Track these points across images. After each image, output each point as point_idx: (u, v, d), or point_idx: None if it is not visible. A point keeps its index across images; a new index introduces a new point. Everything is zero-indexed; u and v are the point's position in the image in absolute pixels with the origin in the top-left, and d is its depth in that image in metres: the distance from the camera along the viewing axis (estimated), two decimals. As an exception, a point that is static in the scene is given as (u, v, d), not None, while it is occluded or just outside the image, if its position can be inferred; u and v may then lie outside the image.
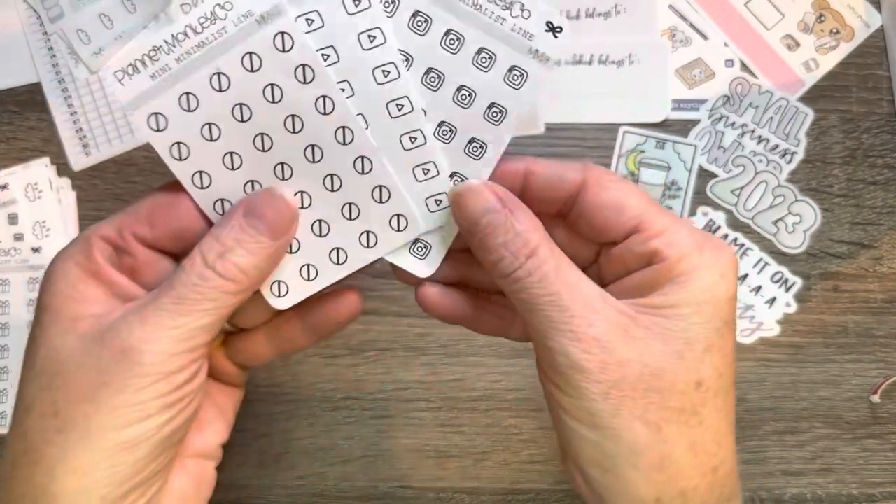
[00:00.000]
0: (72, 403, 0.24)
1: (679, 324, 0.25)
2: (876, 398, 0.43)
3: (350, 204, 0.27)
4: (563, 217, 0.28)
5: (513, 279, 0.25)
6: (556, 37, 0.25)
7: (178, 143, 0.26)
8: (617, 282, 0.27)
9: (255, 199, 0.26)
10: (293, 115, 0.25)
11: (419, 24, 0.25)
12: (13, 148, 0.46)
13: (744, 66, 0.46)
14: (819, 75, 0.46)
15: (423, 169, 0.27)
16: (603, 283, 0.27)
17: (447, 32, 0.25)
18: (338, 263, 0.28)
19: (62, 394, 0.24)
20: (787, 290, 0.44)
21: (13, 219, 0.45)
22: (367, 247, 0.27)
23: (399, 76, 0.25)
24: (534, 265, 0.25)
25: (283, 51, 0.25)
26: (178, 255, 0.27)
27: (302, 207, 0.27)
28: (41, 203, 0.45)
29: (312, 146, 0.26)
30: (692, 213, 0.45)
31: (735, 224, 0.45)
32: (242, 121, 0.25)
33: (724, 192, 0.45)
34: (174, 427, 0.26)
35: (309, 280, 0.28)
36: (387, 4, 0.25)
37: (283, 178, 0.26)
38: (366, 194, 0.27)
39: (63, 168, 0.45)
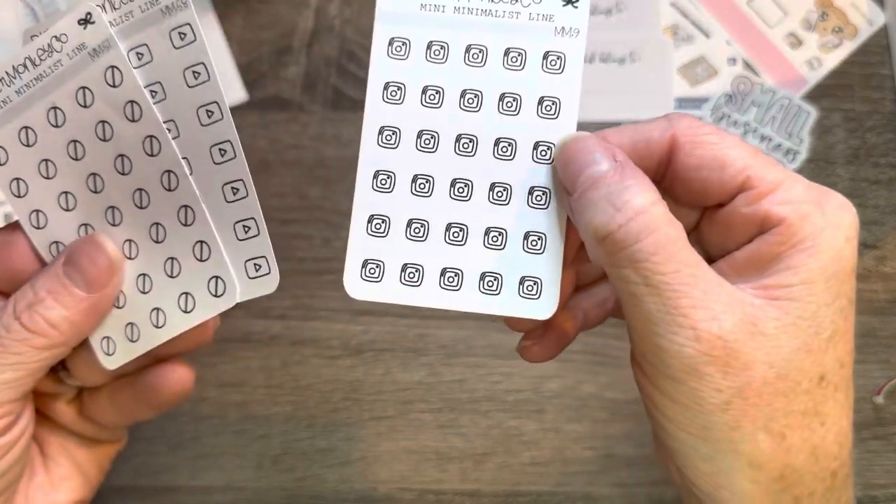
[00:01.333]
0: None
1: (811, 307, 0.21)
2: (879, 399, 0.43)
3: (172, 259, 0.25)
4: (657, 183, 0.23)
5: (614, 243, 0.21)
6: (575, 7, 0.24)
7: (17, 178, 0.25)
8: (728, 256, 0.23)
9: (75, 247, 0.25)
10: (122, 156, 0.24)
11: (436, 53, 0.24)
12: (9, 147, 0.45)
13: (746, 65, 0.46)
14: (822, 73, 0.46)
15: (244, 226, 0.24)
16: (709, 257, 0.24)
17: (467, 49, 0.24)
18: (157, 326, 0.25)
19: None
20: (790, 290, 0.44)
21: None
22: (185, 311, 0.25)
23: (222, 118, 0.24)
24: (644, 226, 0.20)
25: (113, 85, 0.23)
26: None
27: (129, 258, 0.25)
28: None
29: (139, 190, 0.24)
30: (694, 212, 0.45)
31: (737, 224, 0.45)
32: (77, 159, 0.24)
33: (727, 192, 0.45)
34: (7, 482, 0.25)
35: (132, 341, 0.26)
36: (398, 48, 0.24)
37: (114, 224, 0.25)
38: (187, 249, 0.25)
39: (60, 167, 0.45)
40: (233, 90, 0.46)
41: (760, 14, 0.47)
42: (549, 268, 0.24)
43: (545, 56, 0.24)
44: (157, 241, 0.25)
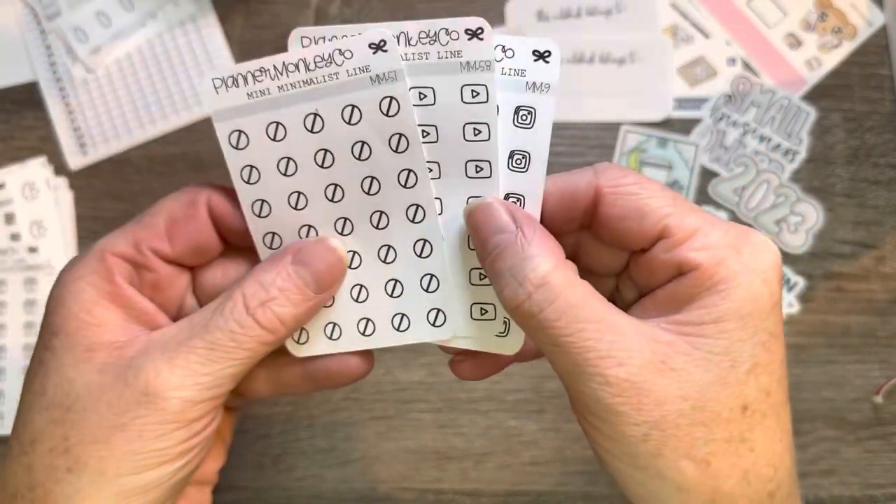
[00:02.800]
0: (85, 442, 0.23)
1: (721, 343, 0.22)
2: (879, 399, 0.43)
3: (396, 281, 0.26)
4: (587, 228, 0.26)
5: (523, 313, 0.22)
6: (546, 62, 0.24)
7: (252, 166, 0.25)
8: (651, 294, 0.25)
9: (306, 247, 0.25)
10: (373, 178, 0.25)
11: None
12: (10, 147, 0.45)
13: (746, 65, 0.46)
14: (821, 74, 0.46)
15: (480, 274, 0.26)
16: (640, 291, 0.25)
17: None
18: (363, 334, 0.27)
19: (75, 431, 0.23)
20: (790, 290, 0.44)
21: (10, 218, 0.44)
22: (398, 329, 0.26)
23: (490, 176, 0.25)
24: (545, 297, 0.22)
25: (387, 115, 0.24)
26: (195, 269, 0.26)
27: (350, 267, 0.26)
28: (38, 202, 0.45)
29: (381, 212, 0.25)
30: (694, 212, 0.45)
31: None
32: (322, 166, 0.25)
33: (726, 192, 0.45)
34: (188, 471, 0.25)
35: (331, 339, 0.27)
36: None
37: (342, 233, 0.26)
38: (415, 277, 0.26)
39: (60, 167, 0.45)
40: (233, 90, 0.46)
41: (760, 14, 0.47)
42: None
43: (516, 111, 0.25)
44: (384, 262, 0.26)
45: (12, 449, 0.24)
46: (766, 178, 0.45)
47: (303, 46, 0.24)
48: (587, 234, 0.26)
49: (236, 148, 0.25)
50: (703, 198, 0.45)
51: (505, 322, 0.26)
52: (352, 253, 0.26)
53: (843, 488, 0.43)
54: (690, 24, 0.46)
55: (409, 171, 0.25)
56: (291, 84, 0.24)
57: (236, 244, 0.26)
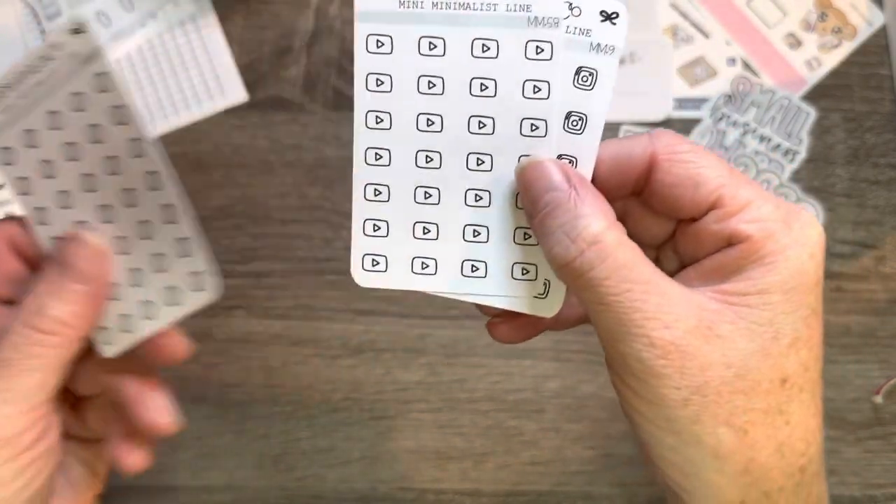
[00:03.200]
0: None
1: (766, 315, 0.23)
2: (879, 399, 0.43)
3: (160, 255, 0.26)
4: (637, 194, 0.25)
5: (572, 271, 0.22)
6: (613, 24, 0.24)
7: (23, 177, 0.26)
8: (696, 264, 0.25)
9: (64, 248, 0.26)
10: (113, 157, 0.26)
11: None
12: (10, 147, 0.45)
13: (746, 65, 0.46)
14: (821, 74, 0.46)
15: (525, 233, 0.25)
16: (682, 262, 0.25)
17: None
18: (147, 318, 0.27)
19: None
20: (790, 290, 0.44)
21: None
22: (170, 304, 0.27)
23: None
24: (597, 256, 0.22)
25: (104, 90, 0.25)
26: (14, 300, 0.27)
27: (125, 253, 0.27)
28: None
29: (128, 190, 0.26)
30: (694, 212, 0.45)
31: (737, 224, 0.45)
32: (73, 160, 0.26)
33: (726, 192, 0.45)
34: (31, 491, 0.25)
35: (126, 331, 0.27)
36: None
37: (108, 221, 0.26)
38: (171, 245, 0.26)
39: (60, 167, 0.45)
40: (233, 91, 0.46)
41: (760, 14, 0.47)
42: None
43: (577, 72, 0.24)
44: (145, 238, 0.26)
45: None
46: (766, 178, 0.45)
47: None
48: (635, 202, 0.26)
49: (7, 164, 0.26)
50: (703, 198, 0.45)
51: (545, 284, 0.26)
52: (122, 238, 0.26)
53: (843, 488, 0.43)
54: (690, 24, 0.46)
55: (136, 139, 0.25)
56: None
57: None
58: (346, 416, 0.43)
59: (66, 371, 0.26)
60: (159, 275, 0.27)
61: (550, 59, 0.24)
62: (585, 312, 0.28)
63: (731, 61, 0.46)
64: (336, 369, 0.43)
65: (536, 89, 0.24)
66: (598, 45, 0.24)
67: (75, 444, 0.30)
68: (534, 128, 0.24)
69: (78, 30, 0.25)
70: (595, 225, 0.22)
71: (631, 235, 0.26)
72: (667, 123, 0.45)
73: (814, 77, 0.46)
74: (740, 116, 0.46)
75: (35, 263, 0.27)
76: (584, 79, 0.24)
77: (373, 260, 0.26)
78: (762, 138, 0.45)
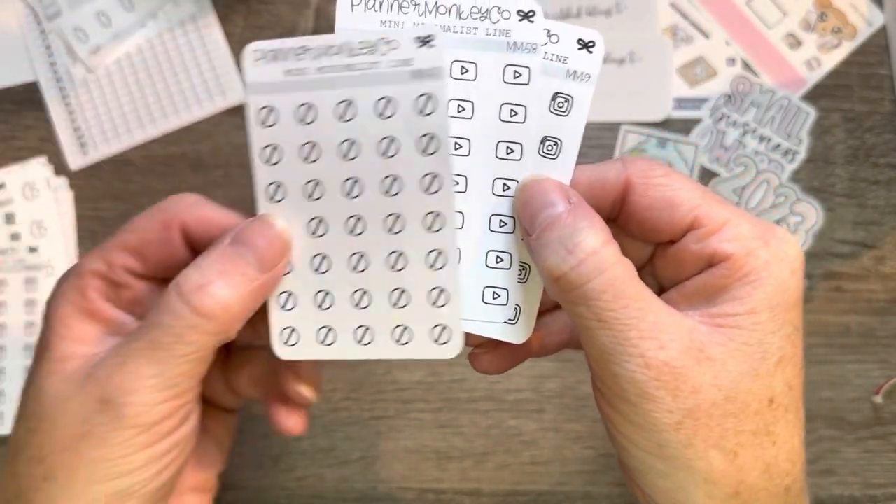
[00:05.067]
0: (55, 451, 0.23)
1: (756, 335, 0.23)
2: (878, 399, 0.43)
3: (403, 291, 0.25)
4: (613, 220, 0.25)
5: (567, 283, 0.22)
6: (590, 52, 0.24)
7: (275, 146, 0.24)
8: (678, 286, 0.25)
9: (245, 227, 0.24)
10: (396, 178, 0.24)
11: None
12: (10, 147, 0.45)
13: (745, 65, 0.46)
14: (821, 74, 0.46)
15: (498, 257, 0.25)
16: (661, 287, 0.25)
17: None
18: (359, 342, 0.25)
19: (47, 439, 0.23)
20: (790, 290, 0.44)
21: (10, 218, 0.44)
22: (398, 342, 0.25)
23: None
24: (593, 267, 0.22)
25: (422, 113, 0.24)
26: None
27: (356, 270, 0.25)
28: (38, 202, 0.45)
29: (397, 216, 0.24)
30: (694, 212, 0.45)
31: (737, 224, 0.45)
32: (345, 157, 0.24)
33: (726, 192, 0.45)
34: (166, 477, 0.24)
35: (322, 344, 0.26)
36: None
37: (352, 233, 0.25)
38: (423, 289, 0.25)
39: (60, 167, 0.45)
40: (233, 90, 0.46)
41: (760, 14, 0.47)
42: (527, 296, 0.26)
43: (553, 97, 0.24)
44: (392, 268, 0.25)
45: (6, 459, 0.25)
46: (766, 178, 0.45)
47: (352, 9, 0.24)
48: (612, 227, 0.26)
49: (263, 125, 0.24)
50: (702, 198, 0.45)
51: (516, 309, 0.25)
52: (359, 255, 0.25)
53: (843, 488, 0.43)
54: (690, 24, 0.46)
55: (435, 175, 0.24)
56: (331, 67, 0.24)
57: None
58: (347, 416, 0.43)
59: (212, 358, 0.24)
60: (396, 310, 0.25)
61: (528, 83, 0.24)
62: (567, 338, 0.28)
63: (731, 61, 0.46)
64: (336, 369, 0.43)
65: (513, 113, 0.24)
66: (575, 71, 0.24)
67: (206, 417, 0.29)
68: (509, 151, 0.24)
69: (426, 41, 0.23)
70: (593, 238, 0.22)
71: None
72: (667, 123, 0.45)
73: (814, 77, 0.46)
74: (740, 116, 0.46)
75: (196, 243, 0.26)
76: (561, 104, 0.24)
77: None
78: (762, 138, 0.45)
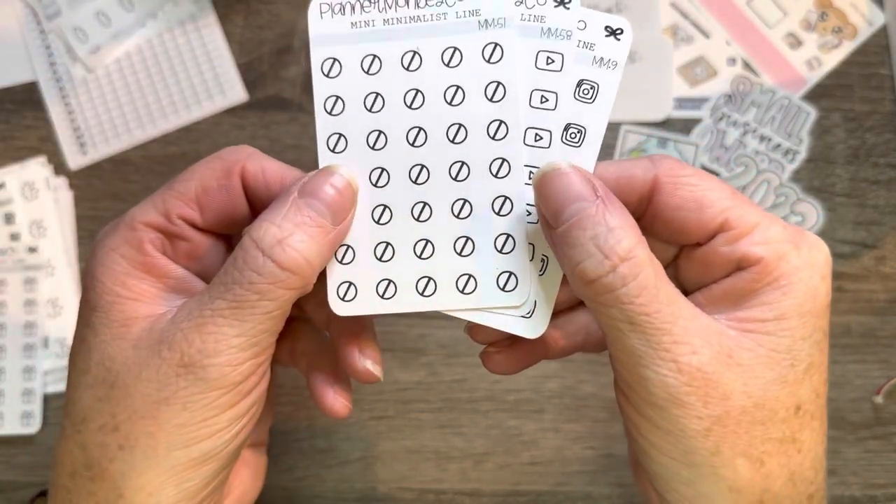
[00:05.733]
0: (132, 419, 0.22)
1: (785, 341, 0.22)
2: (879, 399, 0.43)
3: (468, 239, 0.24)
4: (638, 219, 0.24)
5: (602, 286, 0.21)
6: (618, 39, 0.24)
7: (339, 97, 0.24)
8: (704, 289, 0.24)
9: (312, 178, 0.23)
10: (461, 125, 0.24)
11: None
12: (10, 147, 0.45)
13: (746, 65, 0.46)
14: (821, 74, 0.46)
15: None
16: (684, 290, 0.25)
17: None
18: (422, 294, 0.25)
19: (121, 408, 0.22)
20: (790, 290, 0.44)
21: (10, 218, 0.44)
22: (462, 291, 0.24)
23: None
24: (630, 271, 0.21)
25: (488, 61, 0.23)
26: (231, 235, 0.26)
27: (417, 220, 0.24)
28: (37, 202, 0.45)
29: (462, 163, 0.24)
30: (694, 212, 0.45)
31: (737, 224, 0.45)
32: (409, 107, 0.24)
33: (726, 192, 0.45)
34: (243, 438, 0.24)
35: (383, 297, 0.25)
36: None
37: (415, 182, 0.24)
38: (488, 237, 0.24)
39: (60, 167, 0.45)
40: (233, 90, 0.46)
41: (760, 14, 0.47)
42: (545, 290, 0.25)
43: (579, 84, 0.24)
44: (457, 216, 0.24)
45: (65, 428, 0.24)
46: (766, 177, 0.45)
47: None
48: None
49: (327, 76, 0.24)
50: (703, 198, 0.45)
51: (533, 302, 0.25)
52: (422, 204, 0.24)
53: (843, 488, 0.43)
54: (690, 23, 0.46)
55: (501, 122, 0.24)
56: (397, 19, 0.24)
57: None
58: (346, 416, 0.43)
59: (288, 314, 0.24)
60: (460, 258, 0.24)
61: (560, 70, 0.24)
62: (582, 341, 0.27)
63: (731, 61, 0.46)
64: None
65: (544, 99, 0.24)
66: (602, 59, 0.24)
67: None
68: (538, 138, 0.24)
69: None
70: (627, 239, 0.21)
71: None
72: (667, 123, 0.45)
73: (814, 77, 0.46)
74: (740, 116, 0.45)
75: (253, 195, 0.25)
76: (586, 91, 0.24)
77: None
78: (762, 138, 0.45)
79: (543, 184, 0.23)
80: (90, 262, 0.24)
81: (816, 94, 0.46)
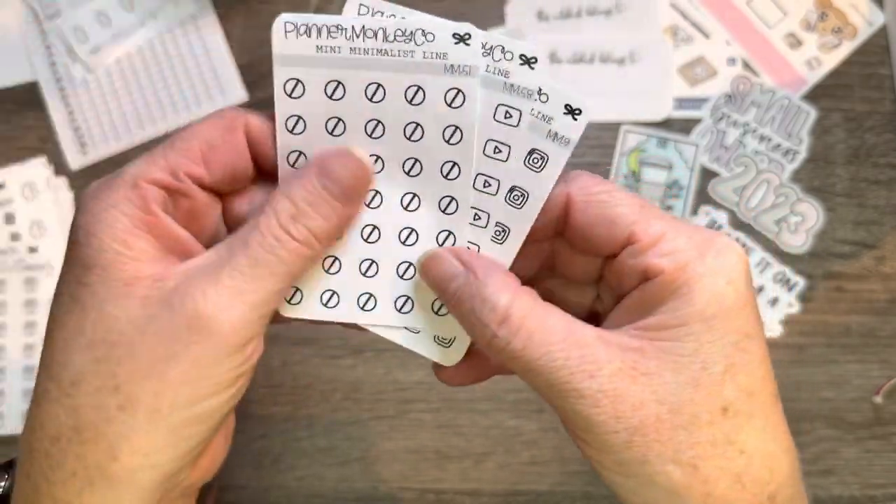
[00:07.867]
0: (135, 379, 0.22)
1: (689, 346, 0.23)
2: (879, 399, 0.43)
3: (409, 264, 0.26)
4: (560, 235, 0.26)
5: (495, 348, 0.23)
6: (575, 119, 0.24)
7: (300, 118, 0.25)
8: (621, 301, 0.25)
9: (329, 158, 0.24)
10: (417, 160, 0.25)
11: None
12: (10, 147, 0.45)
13: (746, 65, 0.46)
14: (821, 74, 0.46)
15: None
16: (614, 300, 0.26)
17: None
18: (362, 308, 0.26)
19: (123, 368, 0.22)
20: (790, 290, 0.44)
21: (10, 218, 0.44)
22: (399, 311, 0.26)
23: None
24: (508, 331, 0.23)
25: (450, 105, 0.24)
26: (225, 196, 0.26)
27: (366, 241, 0.26)
28: (38, 202, 0.45)
29: (413, 195, 0.25)
30: (694, 212, 0.45)
31: (737, 224, 0.45)
32: (370, 136, 0.25)
33: (727, 192, 0.45)
34: (235, 402, 0.24)
35: (325, 306, 0.26)
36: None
37: (368, 205, 0.26)
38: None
39: (60, 167, 0.45)
40: (233, 90, 0.46)
41: (760, 14, 0.47)
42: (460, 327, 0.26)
43: (530, 152, 0.25)
44: (403, 243, 0.26)
45: (48, 392, 0.23)
46: (766, 177, 0.45)
47: (359, 14, 0.24)
48: (563, 242, 0.26)
49: (289, 96, 0.25)
50: (703, 198, 0.45)
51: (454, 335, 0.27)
52: (372, 227, 0.26)
53: (843, 488, 0.43)
54: (690, 24, 0.46)
55: (455, 163, 0.25)
56: (366, 49, 0.24)
57: (268, 170, 0.26)
58: (347, 416, 0.43)
59: None
60: (401, 281, 0.26)
61: (517, 126, 0.24)
62: None
63: (731, 61, 0.46)
64: (336, 369, 0.43)
65: (497, 150, 0.25)
66: (556, 134, 0.25)
67: None
68: (486, 185, 0.25)
69: (463, 38, 0.24)
70: (500, 303, 0.23)
71: (564, 274, 0.27)
72: (667, 123, 0.45)
73: (814, 77, 0.46)
74: (740, 116, 0.46)
75: (260, 153, 0.25)
76: (535, 161, 0.25)
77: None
78: (762, 138, 0.45)
79: (424, 272, 0.25)
80: (82, 217, 0.23)
81: (816, 94, 0.46)
